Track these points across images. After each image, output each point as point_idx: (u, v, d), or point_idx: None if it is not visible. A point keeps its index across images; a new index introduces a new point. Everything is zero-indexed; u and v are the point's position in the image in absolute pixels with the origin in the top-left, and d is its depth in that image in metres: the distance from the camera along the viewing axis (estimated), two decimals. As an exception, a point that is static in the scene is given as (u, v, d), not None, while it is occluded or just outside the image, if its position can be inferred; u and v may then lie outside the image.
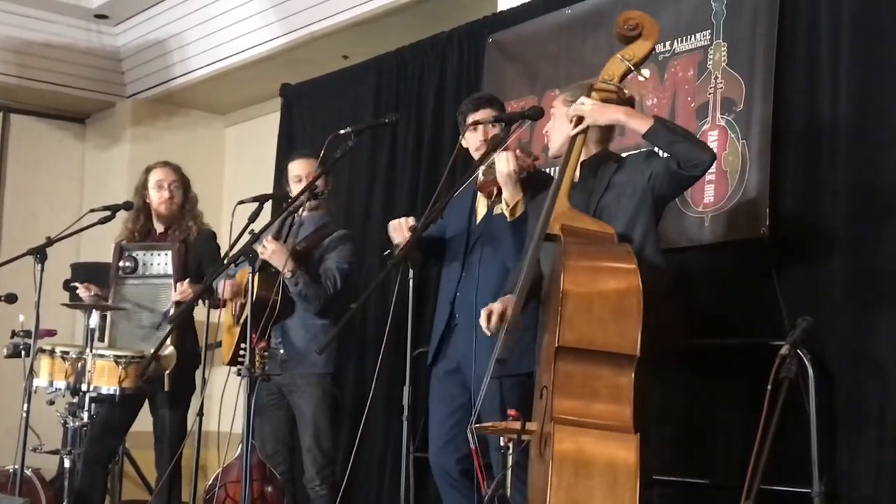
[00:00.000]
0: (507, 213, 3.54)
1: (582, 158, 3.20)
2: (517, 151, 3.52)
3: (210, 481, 4.18)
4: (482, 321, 3.19)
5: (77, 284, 4.70)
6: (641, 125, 3.05)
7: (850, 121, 3.65)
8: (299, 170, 4.44)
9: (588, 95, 3.13)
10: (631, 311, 2.65)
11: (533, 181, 3.59)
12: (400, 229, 3.68)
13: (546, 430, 2.63)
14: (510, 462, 2.89)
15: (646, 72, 3.17)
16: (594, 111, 3.08)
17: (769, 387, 2.60)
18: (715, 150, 3.94)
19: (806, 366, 3.30)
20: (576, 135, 3.09)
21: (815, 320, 2.86)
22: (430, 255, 3.90)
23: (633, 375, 2.64)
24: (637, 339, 2.63)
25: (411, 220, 3.68)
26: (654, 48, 3.16)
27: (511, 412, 2.87)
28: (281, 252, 4.12)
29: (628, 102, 3.27)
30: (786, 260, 3.76)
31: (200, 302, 4.41)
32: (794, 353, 2.67)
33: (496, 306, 3.20)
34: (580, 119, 3.10)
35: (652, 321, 2.96)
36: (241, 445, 3.82)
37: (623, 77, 3.12)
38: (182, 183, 4.76)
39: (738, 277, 3.94)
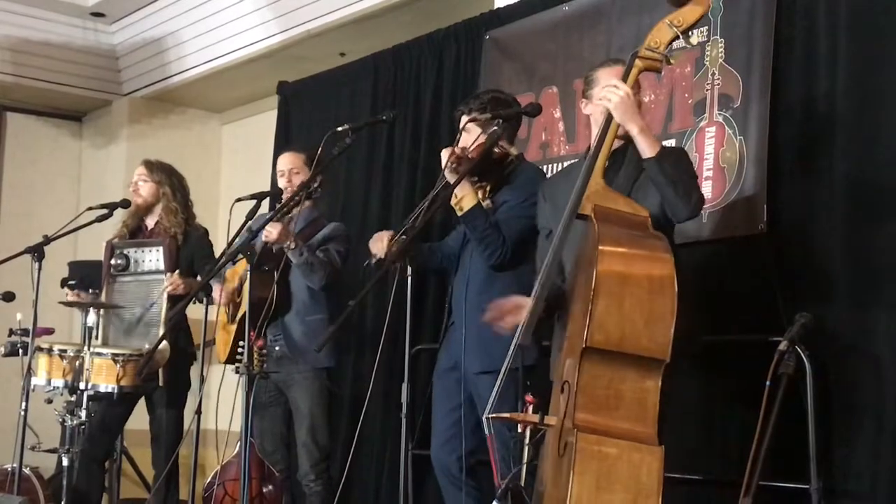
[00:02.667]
0: (455, 209, 3.55)
1: (615, 147, 3.08)
2: (457, 146, 3.50)
3: (208, 479, 4.18)
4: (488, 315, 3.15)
5: (69, 294, 4.68)
6: (646, 149, 2.95)
7: (848, 116, 3.65)
8: (281, 164, 4.48)
9: (631, 63, 3.00)
10: (664, 314, 2.53)
11: (498, 172, 3.61)
12: (380, 240, 3.68)
13: (568, 436, 2.55)
14: (525, 452, 2.81)
15: (694, 38, 3.05)
16: (619, 108, 2.93)
17: (767, 383, 2.59)
18: (712, 150, 3.99)
19: (804, 362, 3.30)
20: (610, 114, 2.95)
21: (814, 316, 2.86)
22: (427, 262, 3.89)
23: (660, 380, 2.54)
24: (669, 342, 2.52)
25: (388, 233, 3.70)
26: (705, 14, 2.99)
27: (529, 398, 2.81)
28: (281, 229, 4.13)
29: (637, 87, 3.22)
30: (784, 256, 3.77)
31: (195, 299, 4.40)
32: (792, 349, 2.66)
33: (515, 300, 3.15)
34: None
35: (684, 323, 2.93)
36: (239, 443, 3.82)
37: (670, 44, 2.97)
38: (152, 178, 4.74)
39: (736, 274, 3.94)
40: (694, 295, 3.14)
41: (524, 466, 2.74)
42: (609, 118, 2.96)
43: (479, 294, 3.54)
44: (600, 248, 2.60)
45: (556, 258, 2.82)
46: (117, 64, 7.48)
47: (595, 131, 3.13)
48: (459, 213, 3.52)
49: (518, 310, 3.03)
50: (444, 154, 3.50)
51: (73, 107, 8.04)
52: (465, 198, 3.50)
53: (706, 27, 4.09)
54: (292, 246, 4.17)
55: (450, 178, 3.46)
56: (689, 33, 3.00)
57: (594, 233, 2.69)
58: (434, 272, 4.23)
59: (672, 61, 3.04)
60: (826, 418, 3.46)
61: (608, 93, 2.96)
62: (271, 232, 4.10)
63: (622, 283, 2.56)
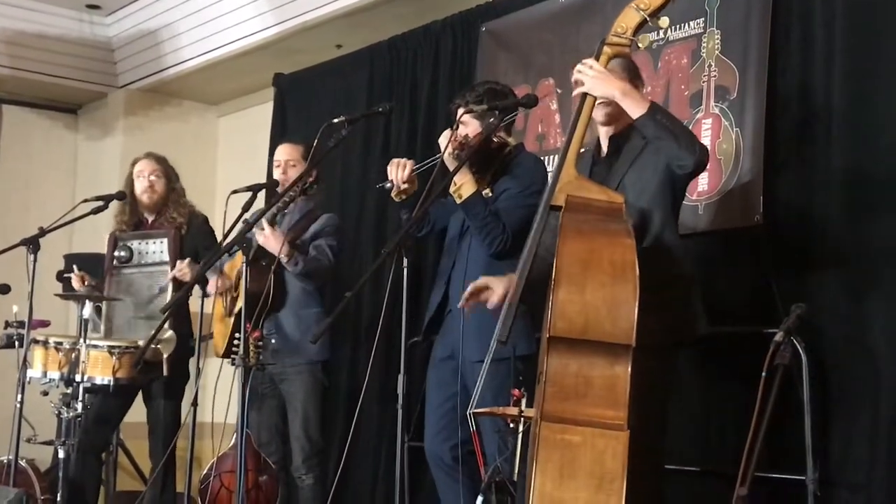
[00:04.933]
0: (454, 196, 3.54)
1: (613, 132, 3.14)
2: (456, 130, 3.50)
3: (205, 471, 4.18)
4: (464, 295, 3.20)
5: (72, 274, 4.68)
6: (635, 109, 2.91)
7: (844, 108, 3.65)
8: (278, 155, 4.49)
9: (600, 50, 2.95)
10: (627, 299, 2.50)
11: (497, 161, 3.61)
12: (400, 168, 3.65)
13: (537, 426, 2.56)
14: (518, 444, 2.81)
15: (664, 21, 2.96)
16: (594, 81, 2.90)
17: (763, 374, 2.59)
18: (709, 141, 3.99)
19: (800, 353, 3.29)
20: (583, 99, 2.92)
21: (809, 307, 2.86)
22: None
23: (629, 366, 2.51)
24: (632, 327, 2.49)
25: (411, 163, 3.67)
26: None
27: (515, 392, 2.81)
28: (276, 237, 4.14)
29: (633, 69, 3.20)
30: (780, 247, 3.77)
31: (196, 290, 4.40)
32: (788, 340, 2.66)
33: (498, 290, 3.18)
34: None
35: (679, 310, 2.93)
36: (235, 435, 3.82)
37: (638, 29, 2.91)
38: (164, 173, 4.75)
39: (733, 265, 3.95)
40: (692, 284, 3.15)
41: (508, 459, 2.75)
42: (578, 110, 2.92)
43: None
44: (560, 237, 2.60)
45: (532, 253, 2.81)
46: (113, 56, 7.45)
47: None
48: (458, 201, 3.51)
49: (491, 289, 3.15)
50: (443, 140, 3.50)
51: (68, 99, 8.01)
52: (464, 185, 3.49)
53: (702, 18, 4.10)
54: (285, 258, 4.18)
55: (450, 164, 3.46)
56: (658, 17, 2.93)
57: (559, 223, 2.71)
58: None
59: (641, 45, 2.99)
60: (822, 409, 3.46)
61: (580, 76, 2.93)
62: (268, 239, 4.11)
63: (583, 270, 2.54)
